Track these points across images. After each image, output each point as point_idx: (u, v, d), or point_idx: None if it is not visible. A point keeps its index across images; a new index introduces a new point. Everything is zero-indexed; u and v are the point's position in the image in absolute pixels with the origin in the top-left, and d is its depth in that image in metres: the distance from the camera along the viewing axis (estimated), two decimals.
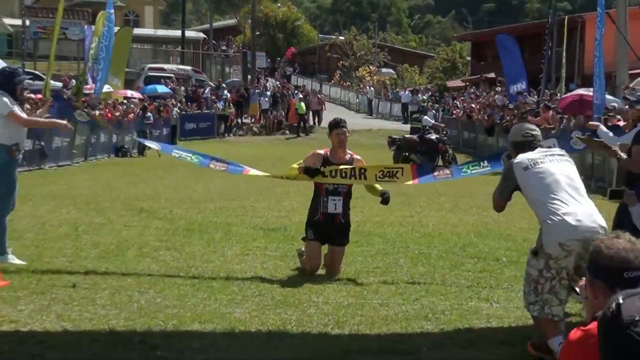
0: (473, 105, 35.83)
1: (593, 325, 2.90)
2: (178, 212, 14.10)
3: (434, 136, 26.07)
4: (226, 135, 41.36)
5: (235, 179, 20.44)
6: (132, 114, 30.76)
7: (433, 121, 29.14)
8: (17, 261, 9.36)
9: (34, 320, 7.14)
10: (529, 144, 6.52)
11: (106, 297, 8.03)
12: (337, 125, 9.27)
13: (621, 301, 2.70)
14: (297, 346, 6.65)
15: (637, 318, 2.62)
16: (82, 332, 6.89)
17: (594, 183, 19.60)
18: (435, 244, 11.36)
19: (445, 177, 8.80)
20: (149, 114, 31.00)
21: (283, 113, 43.80)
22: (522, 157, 6.37)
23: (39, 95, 23.73)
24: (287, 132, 42.75)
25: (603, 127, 9.48)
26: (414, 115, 27.94)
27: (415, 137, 25.92)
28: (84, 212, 13.78)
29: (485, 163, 8.97)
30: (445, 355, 6.40)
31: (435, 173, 8.92)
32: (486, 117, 31.95)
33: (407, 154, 25.36)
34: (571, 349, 3.00)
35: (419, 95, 44.60)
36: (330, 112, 43.34)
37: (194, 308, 7.72)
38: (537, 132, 6.70)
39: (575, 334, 3.02)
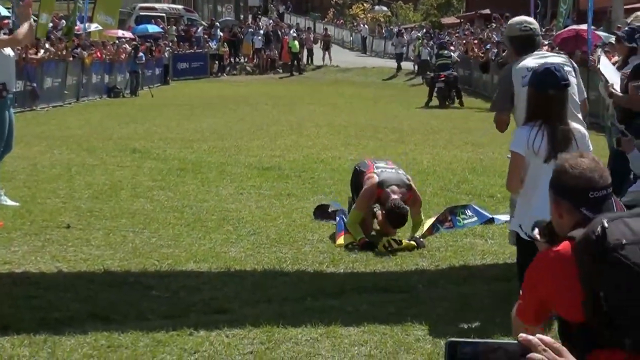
0: (471, 41, 35.49)
1: (563, 246, 2.92)
2: (171, 152, 14.03)
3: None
4: (219, 74, 41.06)
5: (227, 118, 20.35)
6: (124, 54, 30.44)
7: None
8: (9, 202, 9.31)
9: (28, 262, 7.13)
10: (528, 39, 5.71)
11: (100, 237, 8.01)
12: (397, 225, 7.95)
13: (606, 225, 2.70)
14: (292, 284, 6.66)
15: (623, 242, 2.65)
16: (77, 273, 6.88)
17: (589, 118, 19.52)
18: (429, 181, 11.33)
19: (449, 228, 8.48)
20: (140, 54, 30.65)
21: (276, 52, 43.42)
22: (523, 66, 5.53)
23: None
24: (281, 71, 42.44)
25: (605, 60, 8.97)
26: (443, 52, 27.62)
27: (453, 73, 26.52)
28: (76, 153, 13.70)
29: (470, 212, 8.77)
30: (440, 292, 6.41)
31: (444, 224, 8.51)
32: (481, 54, 31.69)
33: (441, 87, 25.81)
34: (540, 268, 3.02)
35: (404, 36, 44.05)
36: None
37: (189, 248, 7.72)
38: (535, 25, 5.88)
39: (545, 253, 3.04)
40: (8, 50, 9.33)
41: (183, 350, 5.18)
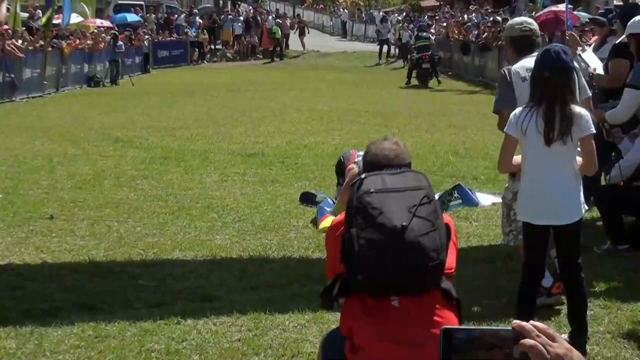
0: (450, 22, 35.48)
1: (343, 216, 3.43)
2: (154, 140, 13.96)
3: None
4: (200, 61, 40.87)
5: (209, 105, 20.28)
6: (103, 43, 30.23)
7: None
8: None
9: (12, 253, 7.09)
10: (527, 40, 5.62)
11: (85, 227, 7.97)
12: None
13: (364, 177, 3.32)
14: (278, 271, 6.66)
15: (371, 190, 3.25)
16: (62, 264, 6.85)
17: None
18: (413, 165, 11.28)
19: None
20: (120, 42, 30.43)
21: (257, 38, 43.24)
22: (522, 66, 5.47)
23: (5, 27, 23.23)
24: (261, 57, 42.29)
25: (587, 49, 8.86)
26: (422, 34, 28.57)
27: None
28: (57, 144, 13.60)
29: (456, 194, 8.80)
30: None
31: None
32: (461, 36, 31.71)
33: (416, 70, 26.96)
34: (329, 233, 3.61)
35: (389, 21, 43.92)
36: (307, 36, 42.88)
37: (174, 236, 7.70)
38: (535, 25, 5.78)
39: (334, 220, 3.64)
40: None
41: (171, 339, 5.18)
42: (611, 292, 5.87)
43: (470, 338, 1.49)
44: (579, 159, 4.72)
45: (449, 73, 31.29)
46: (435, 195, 8.62)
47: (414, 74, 27.17)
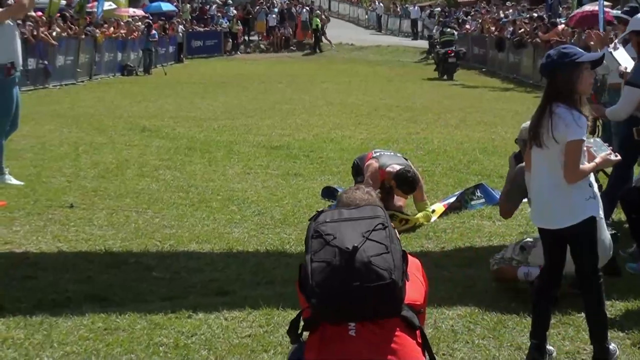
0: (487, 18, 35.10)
1: None
2: (181, 131, 13.94)
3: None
4: (233, 52, 40.90)
5: (240, 97, 20.25)
6: (137, 32, 30.33)
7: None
8: (14, 181, 9.25)
9: (29, 242, 7.07)
10: None
11: (103, 217, 7.93)
12: (410, 189, 7.92)
13: (321, 210, 3.50)
14: (295, 266, 6.47)
15: (327, 220, 3.38)
16: (77, 253, 6.81)
17: None
18: (439, 161, 11.19)
19: (457, 209, 8.35)
20: (153, 32, 30.53)
21: (291, 30, 43.17)
22: None
23: (39, 13, 23.37)
24: (295, 49, 42.22)
25: (620, 47, 8.65)
26: (446, 30, 29.60)
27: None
28: (85, 132, 13.63)
29: (479, 193, 8.64)
30: (445, 274, 6.29)
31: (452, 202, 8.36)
32: (496, 32, 31.36)
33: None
34: None
35: (435, 17, 43.48)
36: (339, 29, 42.75)
37: (192, 228, 7.63)
38: None
39: None
40: (11, 25, 9.17)
41: (180, 333, 5.10)
42: (636, 296, 5.70)
43: None
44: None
45: (483, 69, 30.99)
46: (457, 193, 8.54)
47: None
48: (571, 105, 4.43)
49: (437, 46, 29.28)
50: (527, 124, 6.15)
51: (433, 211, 8.11)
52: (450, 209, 8.31)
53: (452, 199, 8.46)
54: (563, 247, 4.65)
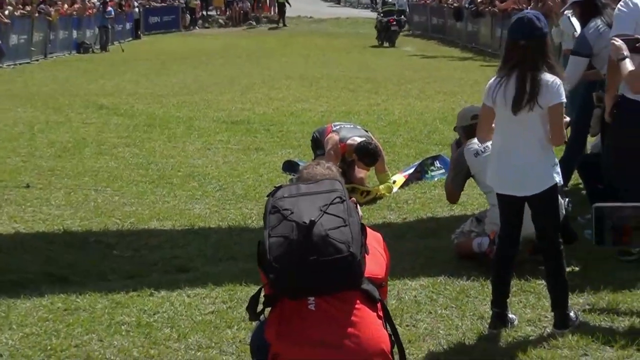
0: None
1: None
2: (139, 108, 13.77)
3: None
4: (191, 28, 40.49)
5: (199, 72, 20.06)
6: (92, 9, 29.87)
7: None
8: None
9: None
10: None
11: (61, 196, 7.82)
12: (372, 161, 7.90)
13: (278, 186, 3.46)
14: (257, 240, 6.35)
15: (285, 195, 3.34)
16: (35, 234, 6.72)
17: None
18: (400, 132, 11.19)
19: (417, 179, 8.34)
20: (109, 8, 30.07)
21: (249, 4, 42.83)
22: (472, 143, 5.81)
23: None
24: (253, 23, 41.93)
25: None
26: (387, 0, 32.39)
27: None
28: (41, 111, 13.41)
29: (438, 164, 8.63)
30: (407, 245, 6.29)
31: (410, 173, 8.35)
32: (454, 3, 31.37)
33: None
34: None
35: None
36: (298, 2, 42.45)
37: (153, 205, 7.56)
38: None
39: None
40: None
41: (142, 311, 5.05)
42: (593, 262, 5.75)
43: (622, 216, 1.60)
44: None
45: (442, 39, 31.02)
46: (415, 164, 8.53)
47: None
48: (549, 70, 4.46)
49: (379, 15, 31.88)
50: (466, 109, 6.34)
51: (394, 182, 8.11)
52: (410, 180, 8.32)
53: (412, 170, 8.47)
54: (521, 213, 4.68)
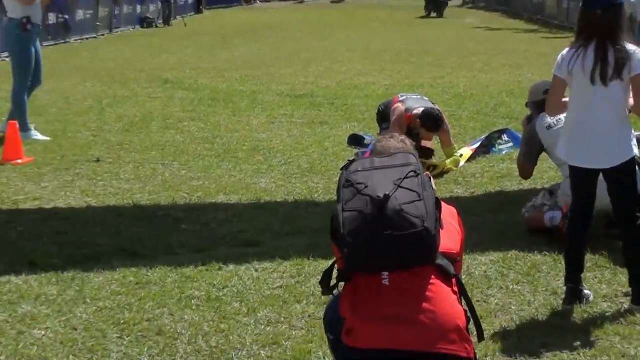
0: None
1: None
2: (203, 82, 13.85)
3: None
4: (253, 2, 40.56)
5: (260, 46, 20.09)
6: None
7: None
8: (40, 137, 9.24)
9: (58, 197, 7.06)
10: None
11: (130, 171, 7.91)
12: (434, 125, 7.84)
13: (352, 159, 3.46)
14: (324, 215, 6.46)
15: (359, 169, 3.30)
16: (106, 208, 6.81)
17: None
18: (466, 106, 11.05)
19: (485, 153, 8.20)
20: None
21: None
22: (544, 116, 5.72)
23: None
24: None
25: None
26: None
27: None
28: (108, 85, 13.58)
29: (506, 137, 8.47)
30: (476, 220, 6.20)
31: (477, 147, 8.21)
32: None
33: None
34: None
35: None
36: None
37: (219, 179, 7.59)
38: None
39: None
40: None
41: (212, 285, 5.08)
42: None
43: None
44: (630, 101, 4.47)
45: (506, 11, 30.51)
46: (482, 137, 8.42)
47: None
48: (627, 40, 4.36)
49: None
50: (538, 84, 6.19)
51: (461, 156, 8.02)
52: (477, 154, 8.21)
53: (478, 144, 8.36)
54: (595, 186, 4.58)
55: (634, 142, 4.52)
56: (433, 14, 30.46)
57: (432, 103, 8.19)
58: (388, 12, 32.09)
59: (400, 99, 8.12)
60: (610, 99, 4.41)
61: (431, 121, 7.74)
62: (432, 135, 7.96)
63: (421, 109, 7.81)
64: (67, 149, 8.77)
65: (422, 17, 29.33)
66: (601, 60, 4.36)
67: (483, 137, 8.58)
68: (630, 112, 4.53)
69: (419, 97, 8.32)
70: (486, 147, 8.33)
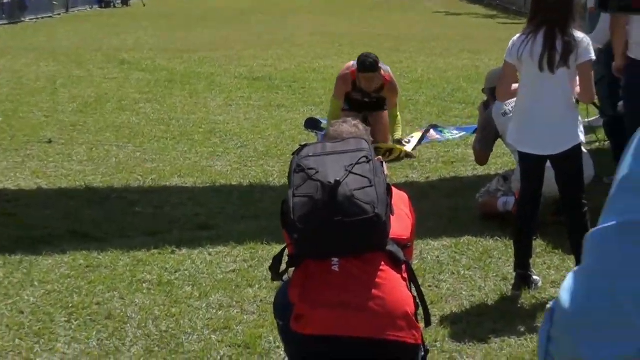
0: None
1: None
2: (160, 63, 13.69)
3: None
4: None
5: (220, 28, 19.93)
6: None
7: None
8: None
9: (7, 178, 6.95)
10: None
11: (83, 152, 7.81)
12: (365, 68, 7.67)
13: (304, 144, 3.41)
14: (279, 198, 6.34)
15: (310, 154, 3.27)
16: (57, 189, 6.72)
17: None
18: (423, 90, 11.07)
19: (435, 139, 8.19)
20: None
21: None
22: (500, 103, 5.70)
23: None
24: None
25: None
26: None
27: None
28: (63, 65, 13.37)
29: (455, 131, 8.47)
30: (430, 205, 6.23)
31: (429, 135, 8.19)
32: None
33: None
34: None
35: None
36: None
37: (174, 162, 7.53)
38: None
39: None
40: None
41: (164, 269, 5.04)
42: None
43: None
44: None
45: None
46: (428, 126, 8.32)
47: None
48: (576, 28, 4.39)
49: None
50: (495, 70, 6.22)
51: (408, 141, 7.95)
52: (426, 137, 8.16)
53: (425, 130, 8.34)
54: (542, 172, 4.63)
55: (581, 128, 4.57)
56: None
57: (385, 65, 7.96)
58: None
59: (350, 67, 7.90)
60: (557, 85, 4.44)
61: (364, 62, 7.58)
62: (371, 82, 7.77)
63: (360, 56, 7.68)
64: (17, 129, 8.63)
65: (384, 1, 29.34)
66: (549, 48, 4.39)
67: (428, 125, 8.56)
68: (577, 100, 4.58)
69: None
70: (437, 135, 8.32)
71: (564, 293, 1.28)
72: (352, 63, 7.90)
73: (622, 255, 1.22)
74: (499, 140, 6.12)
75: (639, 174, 1.24)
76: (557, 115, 4.48)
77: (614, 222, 1.25)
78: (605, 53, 6.79)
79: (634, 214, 1.22)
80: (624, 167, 1.26)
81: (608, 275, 1.23)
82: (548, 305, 1.33)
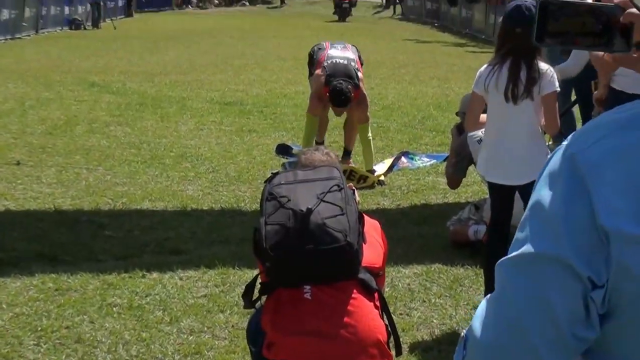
0: None
1: None
2: (131, 86, 13.66)
3: None
4: (185, 7, 40.26)
5: (191, 52, 19.94)
6: None
7: None
8: None
9: None
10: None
11: (52, 174, 7.75)
12: (339, 103, 7.68)
13: (276, 172, 3.46)
14: (250, 223, 6.39)
15: (282, 182, 3.30)
16: (25, 212, 6.66)
17: None
18: (394, 117, 11.14)
19: (406, 166, 8.25)
20: None
21: None
22: (476, 131, 5.62)
23: None
24: (246, 3, 41.72)
25: None
26: None
27: None
28: (32, 87, 13.28)
29: (425, 158, 8.56)
30: (401, 232, 6.26)
31: (400, 162, 8.25)
32: None
33: None
34: None
35: None
36: None
37: (145, 185, 7.50)
38: None
39: None
40: None
41: (134, 293, 5.01)
42: None
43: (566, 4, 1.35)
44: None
45: (436, 24, 30.94)
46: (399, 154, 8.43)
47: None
48: (540, 59, 4.44)
49: None
50: (470, 94, 6.23)
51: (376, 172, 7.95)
52: (397, 164, 8.20)
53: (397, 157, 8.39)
54: (512, 202, 4.68)
55: (548, 157, 4.61)
56: (335, 17, 32.87)
57: (356, 70, 7.86)
58: (320, 21, 32.21)
59: (326, 62, 7.78)
60: (522, 116, 4.49)
61: (336, 98, 7.54)
62: (341, 110, 7.85)
63: (333, 84, 7.55)
64: None
65: (333, 22, 30.34)
66: (513, 79, 4.45)
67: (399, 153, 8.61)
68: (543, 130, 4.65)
69: (345, 60, 7.86)
70: (408, 163, 8.37)
71: (476, 321, 1.30)
72: (324, 66, 7.76)
73: (523, 289, 1.23)
74: (471, 167, 6.17)
75: (544, 200, 1.24)
76: (523, 146, 4.53)
77: (515, 253, 1.26)
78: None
79: (533, 245, 1.23)
80: (534, 194, 1.28)
81: (514, 307, 1.24)
82: (462, 334, 1.35)
